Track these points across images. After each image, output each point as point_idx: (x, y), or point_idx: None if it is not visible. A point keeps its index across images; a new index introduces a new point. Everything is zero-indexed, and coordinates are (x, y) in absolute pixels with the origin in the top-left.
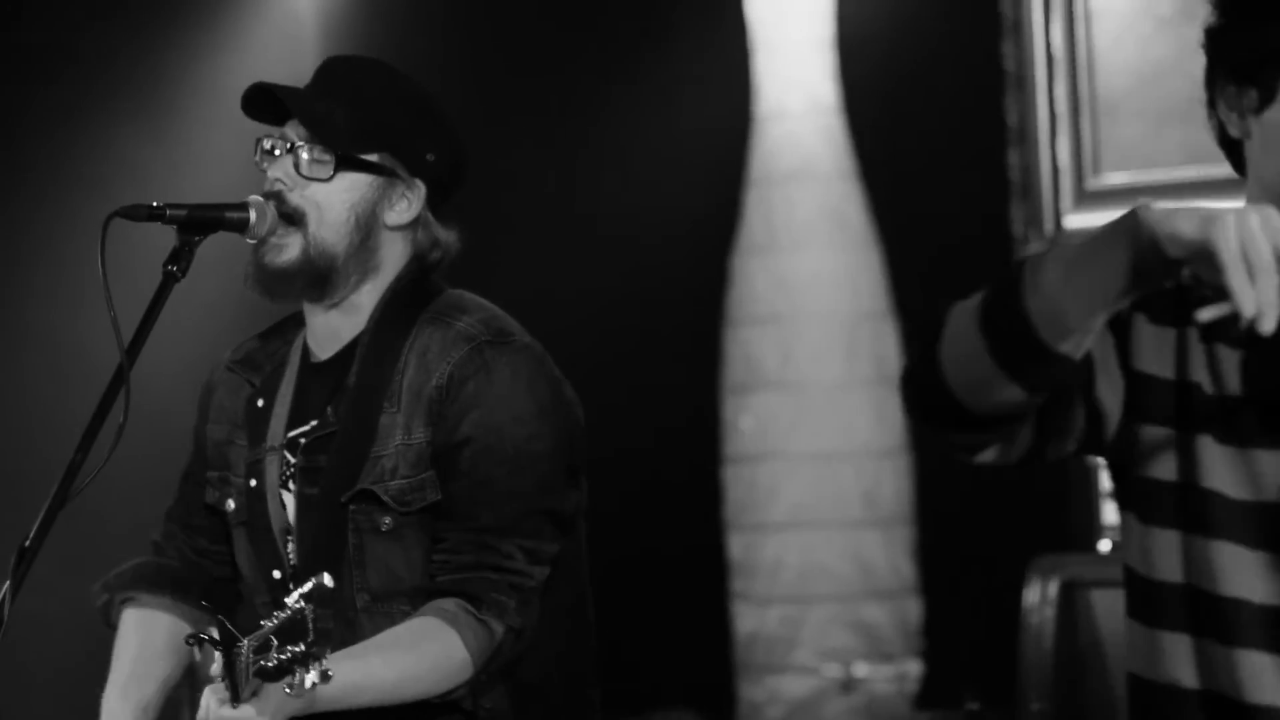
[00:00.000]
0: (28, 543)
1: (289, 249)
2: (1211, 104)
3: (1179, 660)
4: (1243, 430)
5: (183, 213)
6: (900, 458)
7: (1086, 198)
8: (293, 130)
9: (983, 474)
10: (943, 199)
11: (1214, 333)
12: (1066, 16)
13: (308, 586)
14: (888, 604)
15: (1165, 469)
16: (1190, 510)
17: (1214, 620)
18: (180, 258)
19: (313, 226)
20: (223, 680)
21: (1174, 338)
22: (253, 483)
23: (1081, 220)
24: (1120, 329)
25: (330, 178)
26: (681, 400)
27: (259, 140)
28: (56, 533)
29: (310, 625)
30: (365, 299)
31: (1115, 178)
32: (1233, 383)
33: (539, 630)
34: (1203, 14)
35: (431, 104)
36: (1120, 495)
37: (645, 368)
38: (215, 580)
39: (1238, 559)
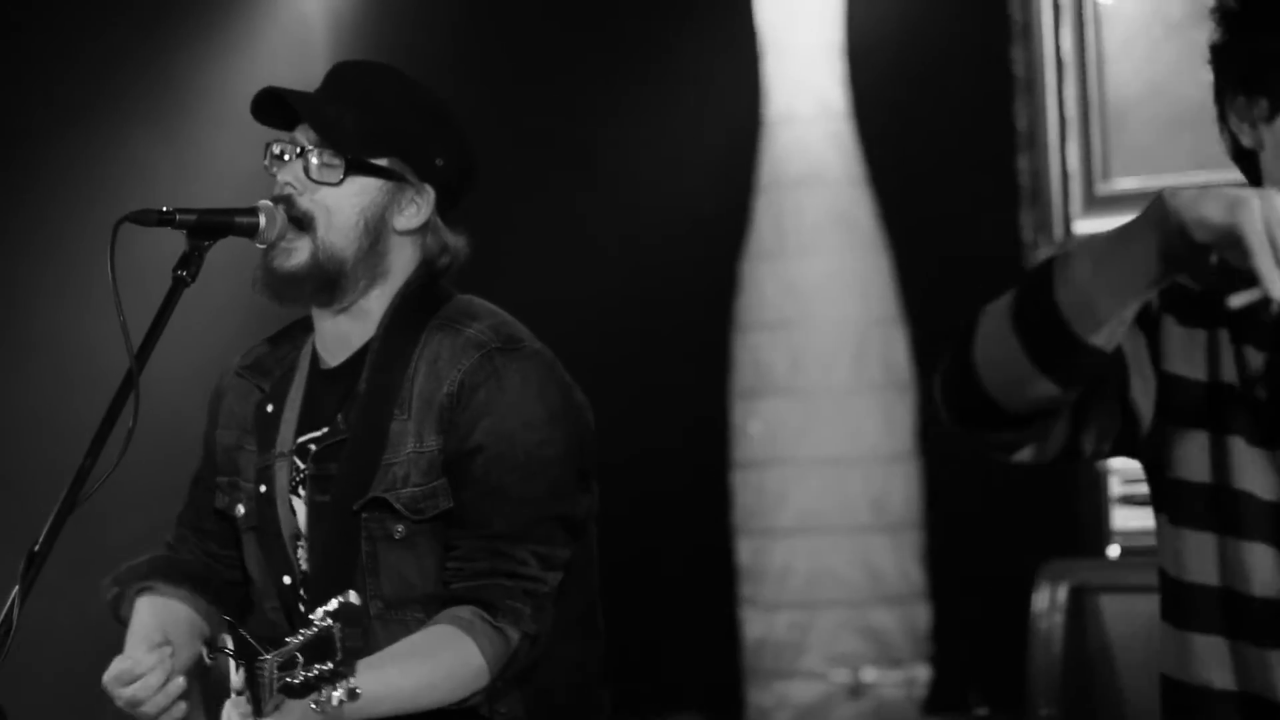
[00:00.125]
0: (37, 547)
1: (298, 253)
2: (1222, 117)
3: (1213, 662)
4: (1273, 431)
5: (192, 217)
6: (909, 463)
7: (1096, 203)
8: (302, 135)
9: (991, 479)
10: (952, 204)
11: (1243, 334)
12: (1076, 21)
13: (334, 605)
14: (896, 609)
15: (1197, 470)
16: (1223, 512)
17: (1249, 622)
18: (190, 262)
19: (322, 231)
20: (245, 694)
21: (1204, 339)
22: (262, 488)
23: (1091, 226)
24: (1151, 330)
25: (340, 182)
26: (690, 405)
27: (268, 145)
28: (65, 537)
29: (339, 644)
30: (374, 304)
31: (1125, 183)
32: (1261, 384)
33: (551, 635)
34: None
35: (441, 109)
36: (1154, 497)
37: (654, 372)
38: (226, 583)
39: (1270, 560)
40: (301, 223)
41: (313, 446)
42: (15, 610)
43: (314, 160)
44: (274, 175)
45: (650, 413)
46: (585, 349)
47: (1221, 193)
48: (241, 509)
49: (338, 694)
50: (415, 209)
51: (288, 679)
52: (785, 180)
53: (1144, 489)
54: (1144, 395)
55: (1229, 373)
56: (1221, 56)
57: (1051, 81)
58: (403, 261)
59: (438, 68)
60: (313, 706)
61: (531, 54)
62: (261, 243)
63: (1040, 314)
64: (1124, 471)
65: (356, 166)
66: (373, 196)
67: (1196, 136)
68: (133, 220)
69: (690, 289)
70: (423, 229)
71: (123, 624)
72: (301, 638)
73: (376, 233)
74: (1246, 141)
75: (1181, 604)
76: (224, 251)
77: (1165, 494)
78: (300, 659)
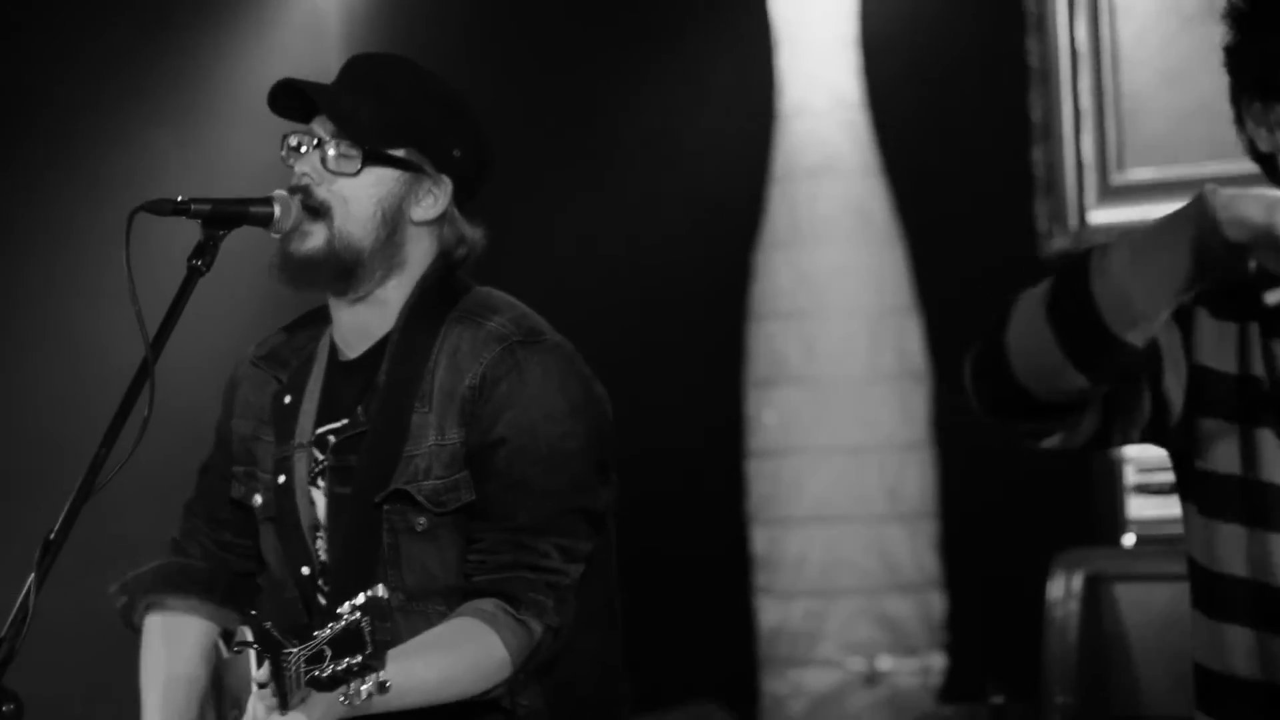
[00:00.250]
0: (53, 536)
1: (314, 236)
2: (1239, 119)
3: (1240, 652)
4: None
5: (207, 207)
6: (924, 452)
7: (1111, 193)
8: (319, 126)
9: (1007, 469)
10: (966, 195)
11: (1272, 329)
12: (1091, 12)
13: (361, 599)
14: (911, 598)
15: (1227, 462)
16: (1252, 504)
17: (1276, 614)
18: (205, 252)
19: (338, 220)
20: (269, 686)
21: (1235, 332)
22: (281, 479)
23: (1106, 216)
24: (1185, 321)
25: (357, 173)
26: (705, 395)
27: (285, 136)
28: (80, 526)
29: (368, 638)
30: (392, 294)
31: (1139, 173)
32: None
33: (572, 627)
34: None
35: (457, 100)
36: (1180, 486)
37: (669, 363)
38: (237, 576)
39: None
40: (318, 212)
41: (332, 438)
42: (31, 598)
43: (331, 151)
44: (291, 167)
45: (665, 403)
46: (600, 340)
47: (1261, 194)
48: (259, 499)
49: (366, 687)
50: (432, 200)
51: (315, 672)
52: (800, 171)
53: (1159, 478)
54: (1175, 386)
55: (1258, 367)
56: (1235, 59)
57: (1066, 72)
58: (420, 253)
59: (452, 60)
60: (341, 700)
61: (546, 46)
62: (276, 232)
63: (1076, 307)
64: (1139, 460)
65: (374, 157)
66: (390, 187)
67: (1211, 127)
68: (148, 210)
69: (705, 279)
70: (440, 220)
71: (134, 630)
72: (329, 631)
73: (394, 223)
74: (1264, 145)
75: (1211, 594)
76: (239, 241)
77: (1194, 484)
78: (328, 652)
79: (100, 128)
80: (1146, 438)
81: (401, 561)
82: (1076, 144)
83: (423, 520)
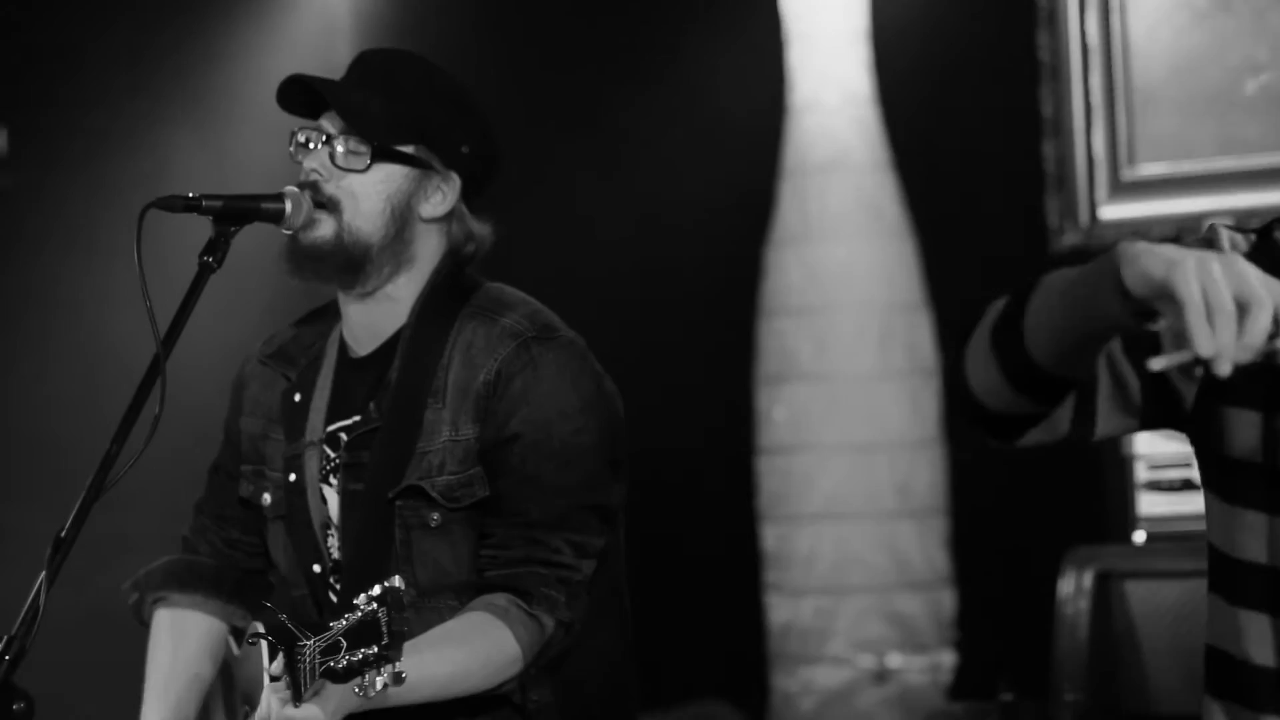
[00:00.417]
0: (64, 533)
1: (322, 226)
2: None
3: (1256, 638)
4: None
5: (218, 203)
6: (934, 449)
7: (1122, 189)
8: (328, 122)
9: (1017, 465)
10: (977, 190)
11: None
12: (1102, 7)
13: (378, 590)
14: (921, 595)
15: (1249, 450)
16: (1274, 491)
17: None
18: (216, 248)
19: (348, 215)
20: (283, 679)
21: None
22: (291, 477)
23: (1117, 211)
24: None
25: (366, 169)
26: (715, 391)
27: (294, 132)
28: (90, 524)
29: (385, 629)
30: (402, 291)
31: (1150, 169)
32: None
33: (583, 623)
34: (1237, 4)
35: (466, 96)
36: (1201, 471)
37: (679, 359)
38: (246, 573)
39: None
40: (327, 206)
41: (343, 435)
42: (42, 596)
43: (339, 147)
44: (299, 163)
45: (675, 399)
46: (610, 337)
47: (1165, 251)
48: (268, 497)
49: (381, 678)
50: (441, 196)
51: (330, 663)
52: (810, 166)
53: (1170, 475)
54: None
55: None
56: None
57: (1077, 67)
58: (429, 249)
59: (461, 57)
60: (356, 691)
61: (555, 42)
62: (287, 228)
63: (1012, 339)
64: (1150, 457)
65: (382, 154)
66: (399, 184)
67: (1221, 122)
68: (159, 206)
69: (715, 275)
70: (448, 217)
71: (146, 627)
72: (345, 622)
73: (403, 220)
74: None
75: (1230, 579)
76: (250, 239)
77: (1214, 470)
78: (344, 644)
79: (111, 124)
80: (1153, 425)
81: (414, 557)
82: (1088, 139)
83: (436, 516)
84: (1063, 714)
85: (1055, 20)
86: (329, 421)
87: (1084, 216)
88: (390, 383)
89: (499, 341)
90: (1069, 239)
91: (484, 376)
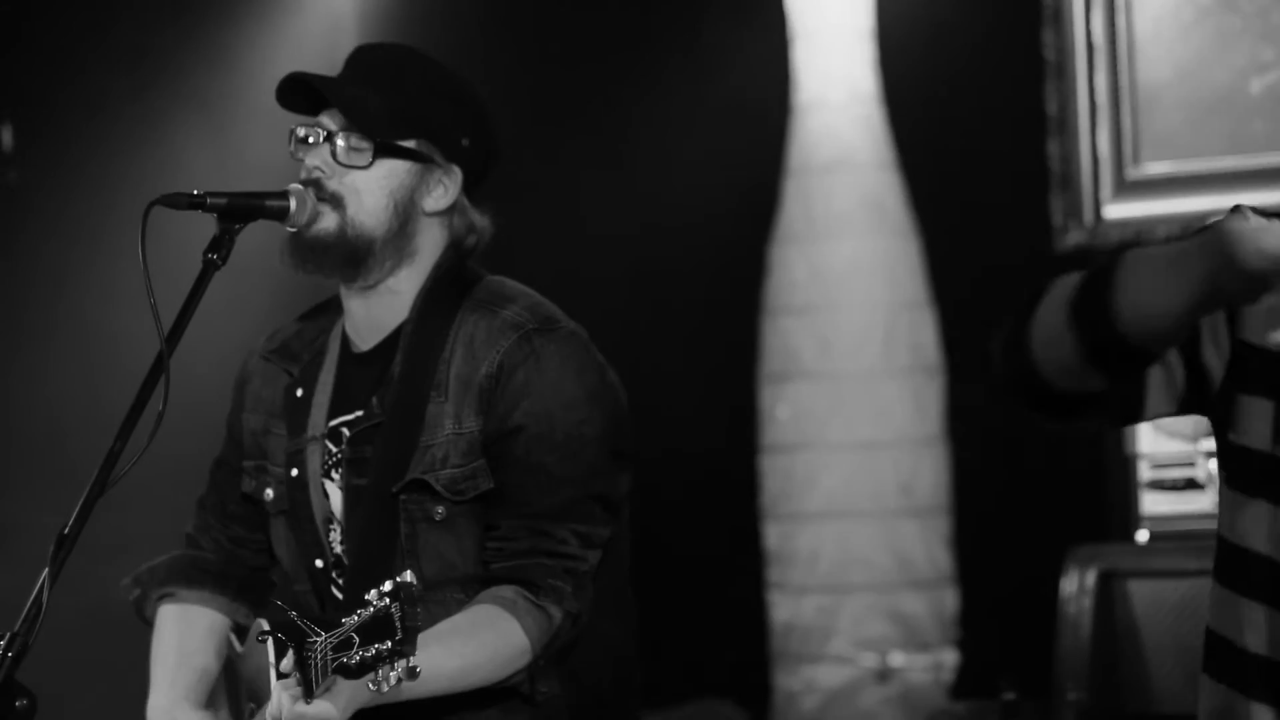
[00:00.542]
0: (67, 530)
1: (326, 219)
2: None
3: (1253, 627)
4: None
5: (223, 201)
6: (937, 447)
7: (1127, 188)
8: (329, 119)
9: (1020, 464)
10: (982, 189)
11: None
12: (1107, 5)
13: (389, 585)
14: (924, 594)
15: (1260, 438)
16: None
17: None
18: (220, 246)
19: (351, 210)
20: (293, 676)
21: None
22: (294, 472)
23: (1121, 211)
24: None
25: (369, 165)
26: (718, 389)
27: (293, 130)
28: (93, 521)
29: (398, 623)
30: (403, 285)
31: (1155, 168)
32: None
33: (589, 614)
34: (1243, 3)
35: (464, 89)
36: (1218, 455)
37: (682, 357)
38: (251, 570)
39: None
40: (330, 201)
41: (346, 430)
42: (45, 593)
43: (341, 143)
44: (299, 160)
45: (678, 398)
46: (613, 334)
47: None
48: (270, 493)
49: (395, 673)
50: (443, 190)
51: (343, 659)
52: (814, 165)
53: (1173, 474)
54: (1215, 359)
55: None
56: None
57: (1082, 66)
58: (431, 243)
59: (466, 53)
60: (370, 686)
61: (560, 39)
62: (292, 226)
63: (1097, 315)
64: (1153, 456)
65: (385, 149)
66: (402, 179)
67: (1227, 120)
68: (163, 203)
69: (719, 273)
70: (450, 210)
71: (147, 623)
72: (357, 618)
73: (406, 214)
74: None
75: (1232, 566)
76: (254, 236)
77: (1228, 456)
78: (356, 639)
79: (115, 122)
80: (1184, 409)
81: (419, 551)
82: (1092, 138)
83: (440, 509)
84: (1065, 713)
85: (1060, 19)
86: (331, 416)
87: (1088, 215)
88: (393, 377)
89: (501, 334)
90: (1073, 238)
91: (486, 369)
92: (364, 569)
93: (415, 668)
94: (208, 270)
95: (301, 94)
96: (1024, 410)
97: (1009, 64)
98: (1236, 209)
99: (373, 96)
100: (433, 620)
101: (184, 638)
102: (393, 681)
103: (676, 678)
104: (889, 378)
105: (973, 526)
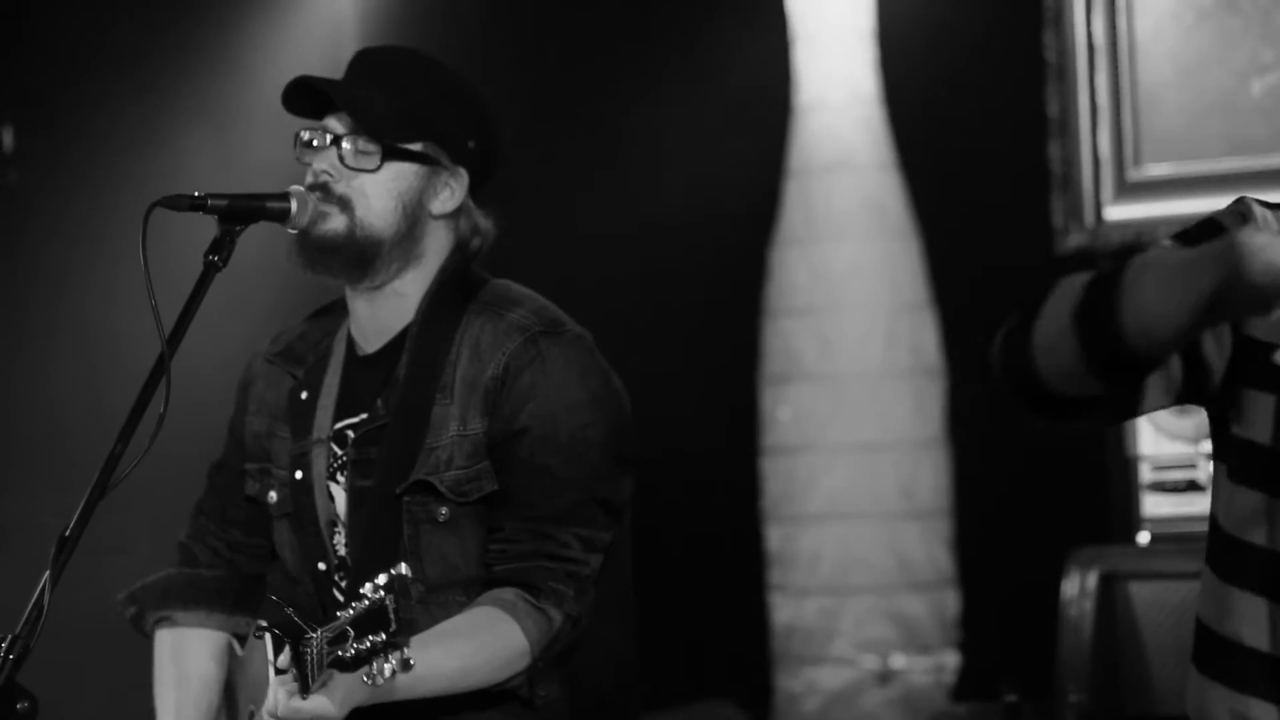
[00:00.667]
0: (68, 532)
1: (334, 219)
2: None
3: (1250, 620)
4: None
5: (224, 202)
6: (938, 449)
7: (1128, 189)
8: (335, 122)
9: (1021, 466)
10: (982, 190)
11: None
12: (1108, 7)
13: (384, 578)
14: (925, 596)
15: (1260, 432)
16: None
17: None
18: (221, 247)
19: (360, 212)
20: (290, 672)
21: None
22: (298, 475)
23: (1122, 212)
24: None
25: (377, 168)
26: (720, 391)
27: (298, 133)
28: (93, 523)
29: (392, 616)
30: (409, 287)
31: (1157, 169)
32: None
33: (590, 618)
34: (1244, 4)
35: (469, 91)
36: (1215, 447)
37: (684, 359)
38: (248, 580)
39: None
40: (339, 204)
41: (351, 433)
42: (46, 596)
43: (349, 147)
44: (305, 164)
45: (679, 400)
46: (614, 336)
47: None
48: (274, 496)
49: (390, 665)
50: (450, 192)
51: (338, 653)
52: (815, 166)
53: (1174, 476)
54: (1216, 353)
55: None
56: None
57: (1083, 67)
58: (437, 245)
59: (466, 53)
60: (364, 679)
61: (561, 40)
62: (293, 228)
63: (1102, 321)
64: (1154, 458)
65: (392, 152)
66: (409, 181)
67: (1228, 122)
68: (165, 205)
69: (719, 275)
70: (457, 212)
71: (146, 637)
72: (352, 611)
73: (414, 217)
74: None
75: (1229, 558)
76: (255, 238)
77: (1227, 447)
78: (351, 632)
79: (116, 122)
80: (1178, 402)
81: (422, 552)
82: (1093, 139)
83: (444, 511)
84: (1066, 715)
85: (1061, 20)
86: (337, 419)
87: (1089, 217)
88: (398, 379)
89: (506, 336)
90: (1074, 240)
91: (492, 371)
92: (367, 571)
93: (409, 659)
94: (209, 272)
95: (306, 96)
96: (1022, 411)
97: (1010, 65)
98: (1240, 201)
99: (379, 99)
100: (434, 622)
101: (182, 664)
102: (387, 674)
103: (678, 679)
104: (890, 379)
105: (974, 528)
